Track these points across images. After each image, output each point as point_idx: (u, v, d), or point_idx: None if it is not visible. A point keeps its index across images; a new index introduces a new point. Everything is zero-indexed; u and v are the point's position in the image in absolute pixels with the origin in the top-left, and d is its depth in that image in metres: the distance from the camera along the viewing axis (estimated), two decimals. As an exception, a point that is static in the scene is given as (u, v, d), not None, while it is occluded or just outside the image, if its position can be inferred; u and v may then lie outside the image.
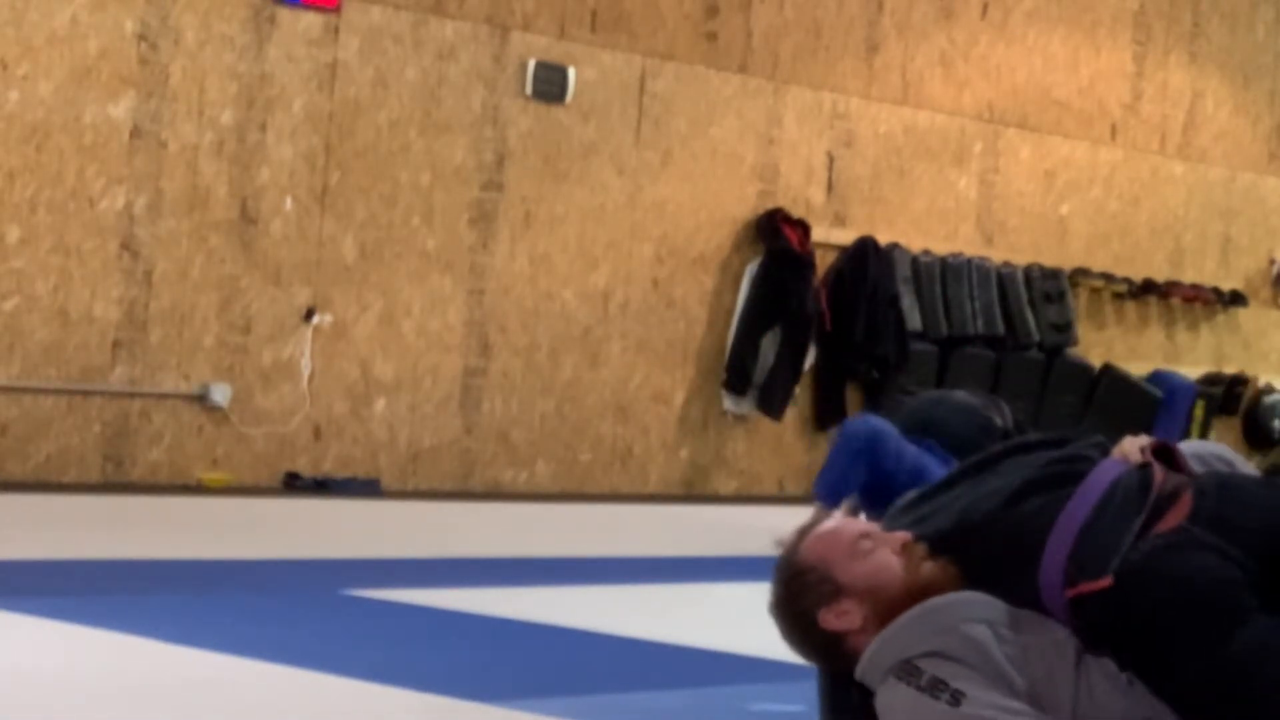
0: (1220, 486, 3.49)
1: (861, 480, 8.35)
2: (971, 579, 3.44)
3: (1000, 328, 13.69)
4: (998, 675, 3.26)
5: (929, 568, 3.40)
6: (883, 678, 3.32)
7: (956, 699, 3.23)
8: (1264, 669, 3.22)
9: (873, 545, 3.42)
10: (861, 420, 8.94)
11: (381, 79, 10.87)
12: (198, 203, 10.21)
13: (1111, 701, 3.27)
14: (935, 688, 3.24)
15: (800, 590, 3.44)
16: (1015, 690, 3.24)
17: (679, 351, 12.30)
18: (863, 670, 3.37)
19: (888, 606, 3.37)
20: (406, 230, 11.00)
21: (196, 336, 10.25)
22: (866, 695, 3.46)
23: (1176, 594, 3.29)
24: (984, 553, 3.47)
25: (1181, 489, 3.46)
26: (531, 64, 11.45)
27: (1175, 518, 3.40)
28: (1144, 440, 3.65)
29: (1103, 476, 3.48)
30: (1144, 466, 3.52)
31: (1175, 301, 15.19)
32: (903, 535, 3.45)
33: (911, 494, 3.74)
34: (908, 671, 3.28)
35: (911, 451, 8.37)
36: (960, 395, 9.06)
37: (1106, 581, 3.33)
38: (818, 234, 12.75)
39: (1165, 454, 3.61)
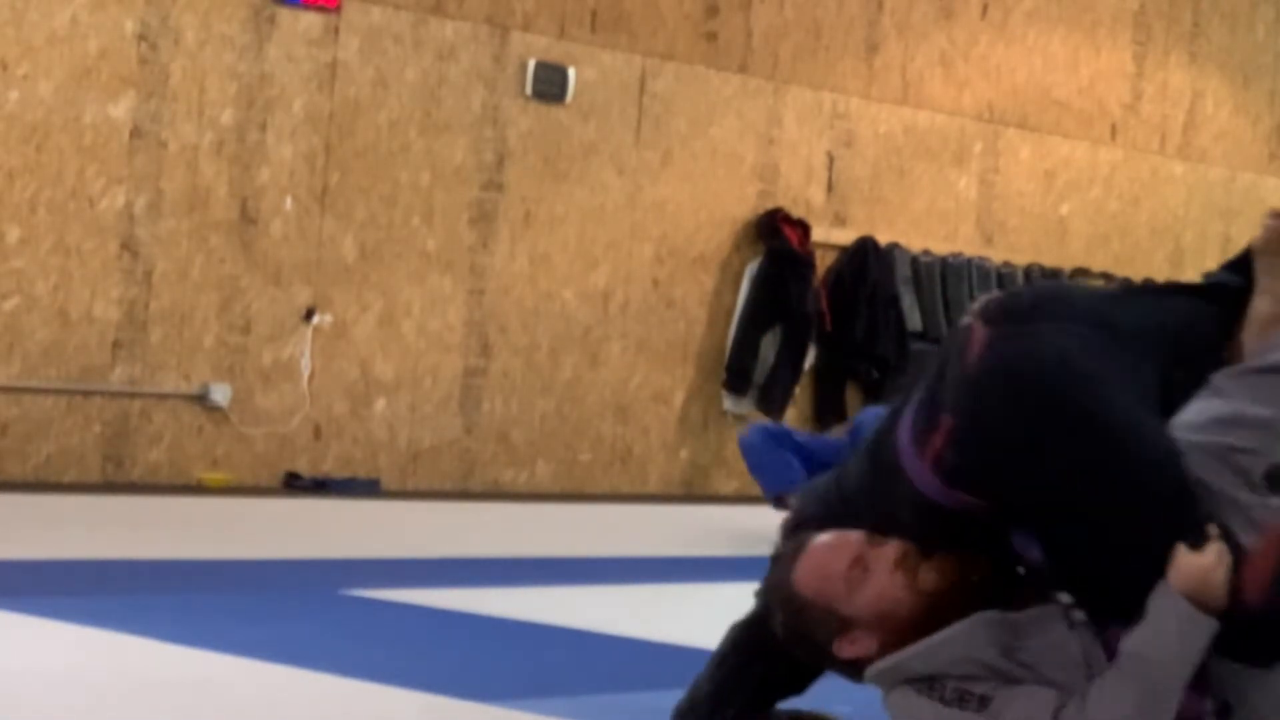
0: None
1: (799, 467, 8.73)
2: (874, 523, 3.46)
3: (1000, 328, 13.68)
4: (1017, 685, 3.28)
5: (930, 577, 3.36)
6: (897, 685, 3.32)
7: (984, 703, 3.24)
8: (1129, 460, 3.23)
9: (867, 571, 3.38)
10: (748, 429, 9.83)
11: (381, 79, 10.87)
12: (198, 203, 10.21)
13: None
14: (962, 699, 3.25)
15: (808, 626, 3.40)
16: None
17: (679, 351, 12.30)
18: (874, 676, 3.36)
19: (900, 626, 3.34)
20: (406, 230, 11.00)
21: (196, 336, 10.25)
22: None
23: (1011, 384, 3.32)
24: (868, 498, 3.52)
25: None
26: (531, 64, 11.45)
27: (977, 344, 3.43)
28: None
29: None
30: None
31: (1175, 301, 15.18)
32: (896, 547, 3.38)
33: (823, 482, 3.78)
34: (929, 686, 3.28)
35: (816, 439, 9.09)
36: None
37: (947, 422, 3.35)
38: (818, 234, 12.75)
39: None
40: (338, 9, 10.67)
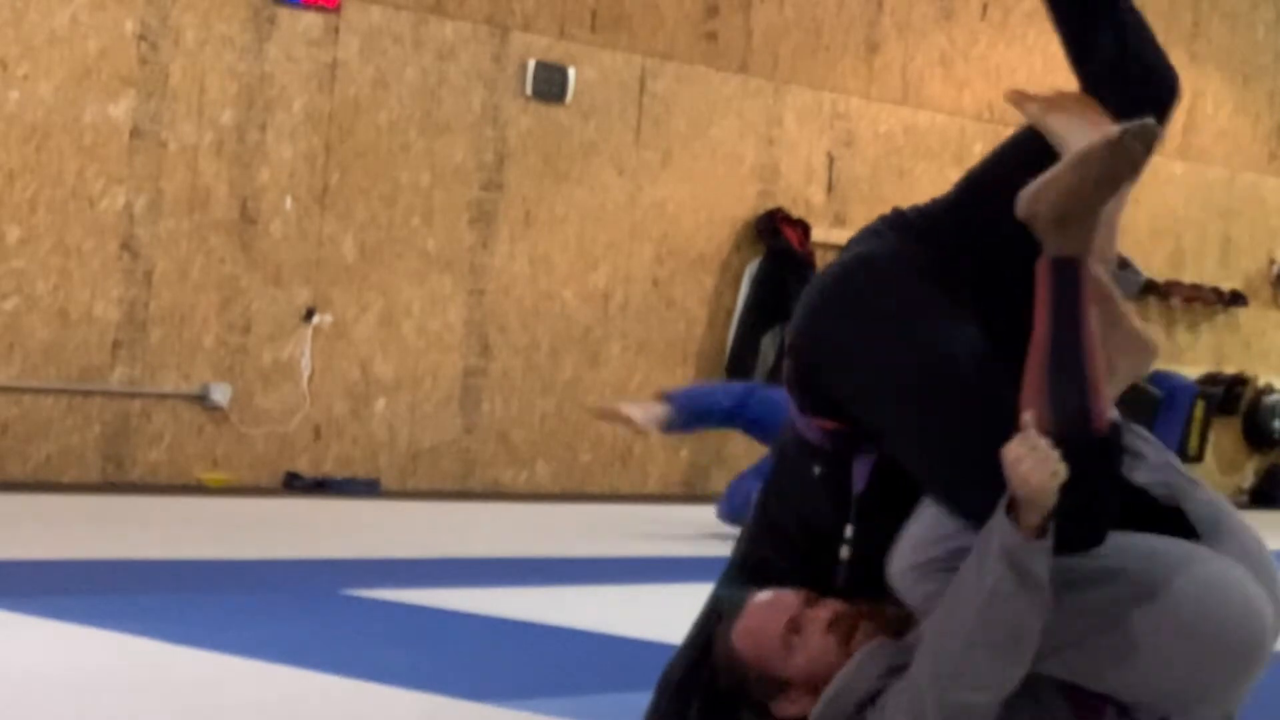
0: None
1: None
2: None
3: (1000, 328, 13.68)
4: None
5: (862, 640, 3.36)
6: None
7: (860, 710, 3.28)
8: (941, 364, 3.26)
9: (801, 637, 3.37)
10: (717, 508, 9.66)
11: (381, 79, 10.87)
12: (198, 203, 10.21)
13: None
14: (861, 709, 3.27)
15: (745, 686, 3.43)
16: None
17: (679, 351, 12.30)
18: None
19: None
20: (406, 230, 11.00)
21: (196, 336, 10.26)
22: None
23: (818, 289, 3.53)
24: (773, 479, 3.60)
25: None
26: (531, 64, 11.45)
27: None
28: None
29: None
30: None
31: (1175, 301, 15.19)
32: (830, 609, 3.38)
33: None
34: None
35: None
36: None
37: (789, 341, 3.51)
38: (818, 234, 12.74)
39: None
40: (338, 9, 10.67)
